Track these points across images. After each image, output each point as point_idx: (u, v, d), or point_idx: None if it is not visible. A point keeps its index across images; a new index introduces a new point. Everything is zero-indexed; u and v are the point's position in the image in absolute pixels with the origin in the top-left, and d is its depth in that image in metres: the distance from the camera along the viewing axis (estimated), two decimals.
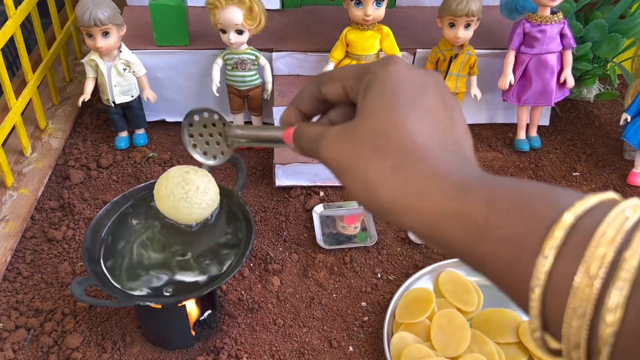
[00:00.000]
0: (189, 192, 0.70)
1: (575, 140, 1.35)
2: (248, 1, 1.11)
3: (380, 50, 1.20)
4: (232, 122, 0.46)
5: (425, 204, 0.31)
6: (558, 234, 0.28)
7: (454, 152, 0.33)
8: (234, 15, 1.12)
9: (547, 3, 1.14)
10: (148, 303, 0.77)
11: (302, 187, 1.19)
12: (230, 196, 0.88)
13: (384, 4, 1.12)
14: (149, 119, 1.32)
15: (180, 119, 1.33)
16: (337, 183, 1.18)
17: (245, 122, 1.31)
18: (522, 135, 1.31)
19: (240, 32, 1.15)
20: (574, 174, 1.25)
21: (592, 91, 1.46)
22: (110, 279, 0.81)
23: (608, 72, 1.42)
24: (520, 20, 1.20)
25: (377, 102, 0.33)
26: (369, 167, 0.32)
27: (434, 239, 0.32)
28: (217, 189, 0.75)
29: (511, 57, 1.22)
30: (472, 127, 1.38)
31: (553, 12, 1.18)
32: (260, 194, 1.19)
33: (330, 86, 0.37)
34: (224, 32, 1.15)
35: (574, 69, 1.36)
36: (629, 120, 1.19)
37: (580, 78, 1.42)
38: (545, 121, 1.37)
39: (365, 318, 0.97)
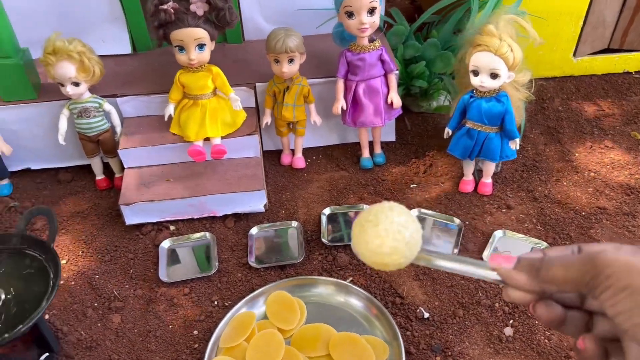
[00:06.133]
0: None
1: (419, 152, 1.45)
2: (77, 55, 1.18)
3: (216, 88, 1.27)
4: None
5: None
6: None
7: None
8: (67, 70, 1.19)
9: (359, 34, 1.23)
10: None
11: (153, 224, 1.26)
12: (44, 248, 0.94)
13: (207, 48, 1.20)
14: (13, 168, 1.38)
15: (46, 166, 1.42)
16: (186, 216, 1.26)
17: (104, 163, 1.38)
18: (366, 154, 1.40)
19: (76, 84, 1.22)
20: (411, 186, 1.35)
21: (438, 104, 1.57)
22: None
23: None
24: (343, 51, 1.29)
25: None
26: None
27: None
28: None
29: (340, 84, 1.31)
30: (325, 148, 1.47)
31: (372, 41, 1.27)
32: (115, 233, 1.26)
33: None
34: (62, 85, 1.22)
35: (413, 86, 1.47)
36: (449, 133, 1.28)
37: (426, 92, 1.52)
38: (392, 137, 1.47)
39: (196, 345, 1.04)
